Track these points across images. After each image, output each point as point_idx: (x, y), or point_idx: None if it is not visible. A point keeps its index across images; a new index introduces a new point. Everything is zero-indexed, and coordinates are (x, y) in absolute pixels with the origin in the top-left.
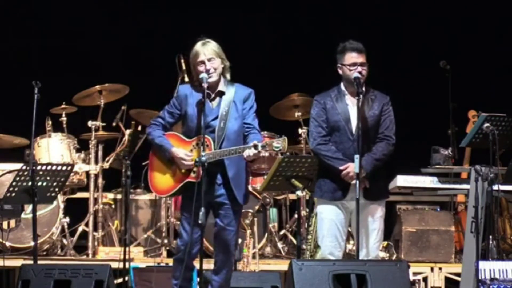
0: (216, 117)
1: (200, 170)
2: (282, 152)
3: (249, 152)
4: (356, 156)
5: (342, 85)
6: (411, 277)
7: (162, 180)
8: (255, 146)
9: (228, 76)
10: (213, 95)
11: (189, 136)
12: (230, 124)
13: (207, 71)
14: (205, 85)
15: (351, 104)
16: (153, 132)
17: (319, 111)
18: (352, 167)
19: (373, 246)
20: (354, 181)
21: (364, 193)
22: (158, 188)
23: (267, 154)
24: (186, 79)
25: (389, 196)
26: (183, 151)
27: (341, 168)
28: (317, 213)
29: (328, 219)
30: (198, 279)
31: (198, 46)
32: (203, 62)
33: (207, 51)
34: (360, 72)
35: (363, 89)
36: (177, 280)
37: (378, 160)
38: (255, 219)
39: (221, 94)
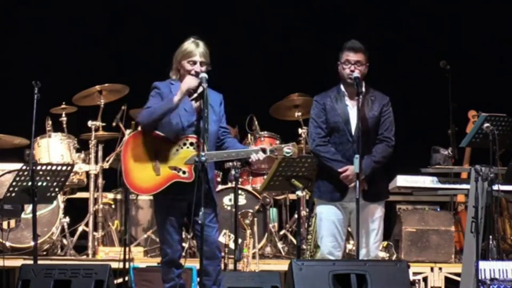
0: (202, 118)
1: (192, 170)
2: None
3: (258, 156)
4: (356, 156)
5: (341, 86)
6: (411, 277)
7: (142, 177)
8: (264, 151)
9: None
10: (196, 94)
11: (170, 134)
12: (211, 127)
13: (196, 73)
14: (205, 85)
15: (350, 105)
16: (147, 109)
17: (319, 112)
18: (350, 170)
19: (372, 246)
20: (352, 185)
21: (363, 194)
22: (137, 186)
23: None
24: None
25: (389, 196)
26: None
27: (340, 170)
28: (316, 213)
29: (327, 219)
30: (198, 279)
31: (192, 45)
32: (195, 63)
33: (203, 54)
34: (352, 71)
35: (363, 89)
36: (169, 283)
37: (377, 162)
38: (255, 219)
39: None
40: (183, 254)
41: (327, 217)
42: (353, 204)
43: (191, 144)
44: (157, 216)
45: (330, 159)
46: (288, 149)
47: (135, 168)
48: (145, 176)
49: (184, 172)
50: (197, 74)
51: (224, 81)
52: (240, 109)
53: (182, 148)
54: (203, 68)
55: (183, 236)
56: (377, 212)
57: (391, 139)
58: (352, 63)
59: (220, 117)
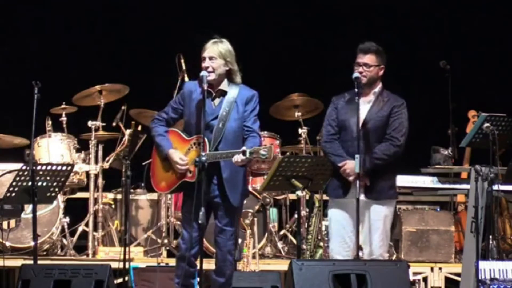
0: (216, 117)
1: (195, 170)
2: (283, 152)
3: (237, 158)
4: (357, 156)
5: None
6: (411, 277)
7: (163, 176)
8: (244, 152)
9: (237, 79)
10: (214, 94)
11: (189, 133)
12: (229, 125)
13: (205, 68)
14: (205, 85)
15: (362, 104)
16: (156, 128)
17: (331, 111)
18: (349, 164)
19: (376, 245)
20: (351, 178)
21: (365, 191)
22: (158, 185)
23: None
24: (187, 78)
25: (396, 196)
26: (179, 154)
27: (339, 164)
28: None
29: (334, 221)
30: (198, 279)
31: (209, 43)
32: (204, 58)
33: (212, 49)
34: (361, 73)
35: (376, 90)
36: (177, 279)
37: (378, 159)
38: (255, 219)
39: (223, 93)
40: None
41: (335, 218)
42: (355, 201)
43: (199, 144)
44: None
45: (332, 154)
46: (264, 151)
47: (160, 167)
48: (164, 175)
49: (190, 172)
50: (205, 69)
51: None
52: None
53: (192, 147)
54: (214, 64)
55: None
56: (381, 211)
57: (397, 139)
58: (360, 64)
59: (244, 115)
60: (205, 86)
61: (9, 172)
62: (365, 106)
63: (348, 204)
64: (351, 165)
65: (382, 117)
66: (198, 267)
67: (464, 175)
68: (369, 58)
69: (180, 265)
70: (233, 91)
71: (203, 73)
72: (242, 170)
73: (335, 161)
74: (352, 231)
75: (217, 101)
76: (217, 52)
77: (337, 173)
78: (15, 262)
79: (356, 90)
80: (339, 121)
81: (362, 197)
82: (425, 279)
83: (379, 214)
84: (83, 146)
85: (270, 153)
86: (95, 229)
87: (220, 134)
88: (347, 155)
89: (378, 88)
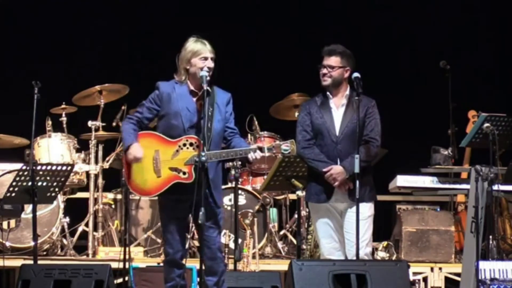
0: (203, 117)
1: (191, 171)
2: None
3: (255, 155)
4: (356, 156)
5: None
6: (411, 277)
7: (145, 179)
8: (261, 149)
9: None
10: (199, 94)
11: (171, 135)
12: (215, 126)
13: (209, 68)
14: (205, 85)
15: (335, 108)
16: (125, 125)
17: (304, 116)
18: (334, 169)
19: (363, 245)
20: (337, 184)
21: (348, 194)
22: (140, 188)
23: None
24: None
25: (376, 198)
26: (140, 150)
27: (324, 170)
28: (311, 217)
29: (321, 222)
30: (198, 279)
31: (198, 44)
32: (206, 58)
33: (211, 50)
34: (324, 74)
35: (347, 92)
36: (170, 283)
37: (363, 161)
38: (255, 219)
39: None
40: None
41: (321, 219)
42: (341, 204)
43: (191, 144)
44: (161, 215)
45: (314, 159)
46: (286, 146)
47: (137, 170)
48: (146, 178)
49: (184, 173)
50: (209, 70)
51: (224, 81)
52: (240, 109)
53: (182, 148)
54: (212, 64)
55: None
56: (365, 211)
57: (376, 140)
58: (324, 66)
59: (226, 117)
60: (205, 86)
61: (9, 172)
62: (339, 110)
63: (332, 208)
64: (337, 170)
65: (358, 120)
66: (196, 267)
67: (464, 175)
68: (333, 60)
69: (170, 269)
70: (212, 92)
71: (203, 72)
72: (221, 171)
73: (318, 167)
74: (339, 231)
75: (201, 102)
76: (213, 53)
77: (318, 178)
78: (15, 262)
79: (357, 89)
80: (314, 126)
81: (346, 200)
82: (425, 279)
83: (363, 215)
84: (83, 146)
85: (292, 147)
86: (95, 229)
87: (211, 134)
88: (328, 159)
89: (348, 90)
